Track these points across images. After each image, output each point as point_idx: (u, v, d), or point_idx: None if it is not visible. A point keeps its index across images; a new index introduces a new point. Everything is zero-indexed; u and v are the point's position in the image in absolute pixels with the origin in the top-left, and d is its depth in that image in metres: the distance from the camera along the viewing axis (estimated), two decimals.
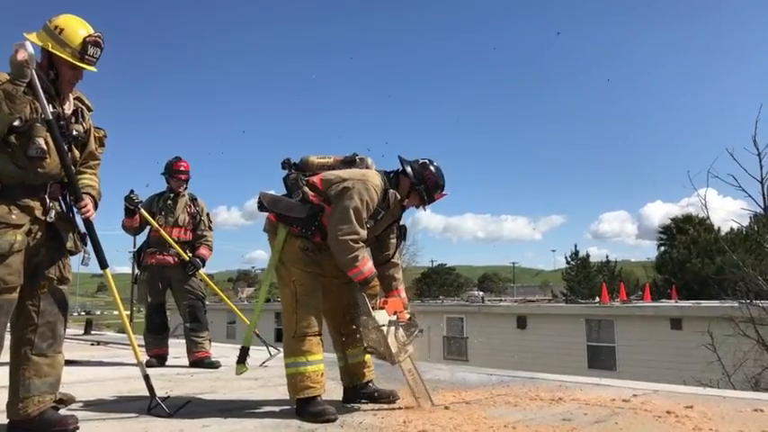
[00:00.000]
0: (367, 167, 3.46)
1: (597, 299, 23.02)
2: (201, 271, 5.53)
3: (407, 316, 3.28)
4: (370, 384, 3.43)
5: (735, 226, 24.12)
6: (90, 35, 2.68)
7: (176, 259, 5.39)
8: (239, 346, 3.44)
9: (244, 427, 2.85)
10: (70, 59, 2.65)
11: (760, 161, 11.11)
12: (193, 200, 5.69)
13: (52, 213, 2.69)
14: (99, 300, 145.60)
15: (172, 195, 5.58)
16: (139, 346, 3.50)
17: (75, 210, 2.84)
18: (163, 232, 5.30)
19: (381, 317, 3.15)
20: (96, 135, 2.93)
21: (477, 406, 3.30)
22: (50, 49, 2.63)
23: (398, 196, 3.37)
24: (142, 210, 5.27)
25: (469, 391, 3.81)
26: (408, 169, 3.33)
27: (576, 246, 49.85)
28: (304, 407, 3.01)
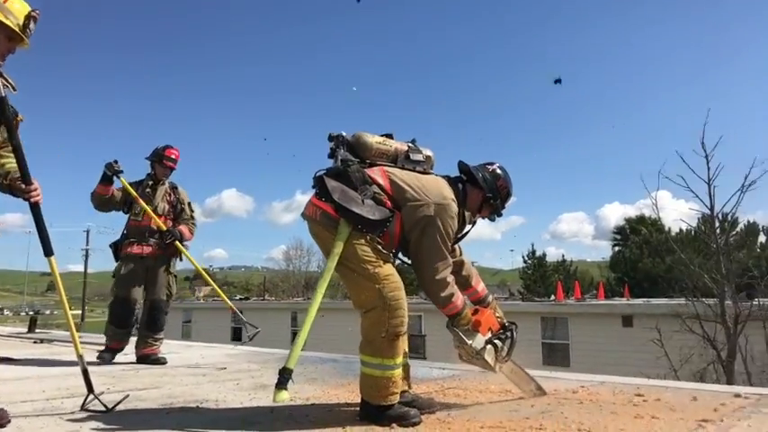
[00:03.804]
0: (431, 166, 3.14)
1: (552, 297, 23.50)
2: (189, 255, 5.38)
3: (498, 324, 3.06)
4: (409, 392, 3.07)
5: (684, 227, 25.03)
6: (33, 10, 2.66)
7: (156, 249, 5.24)
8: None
9: (187, 417, 2.75)
10: (14, 28, 2.60)
11: (707, 163, 11.56)
12: (174, 188, 5.52)
13: None
14: (49, 299, 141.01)
15: (151, 183, 5.41)
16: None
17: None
18: (141, 202, 5.14)
19: (478, 341, 2.91)
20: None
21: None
22: None
23: (467, 216, 3.11)
24: (123, 179, 5.10)
25: (421, 384, 3.81)
26: (482, 183, 3.10)
27: (533, 245, 50.95)
28: (384, 412, 2.69)
